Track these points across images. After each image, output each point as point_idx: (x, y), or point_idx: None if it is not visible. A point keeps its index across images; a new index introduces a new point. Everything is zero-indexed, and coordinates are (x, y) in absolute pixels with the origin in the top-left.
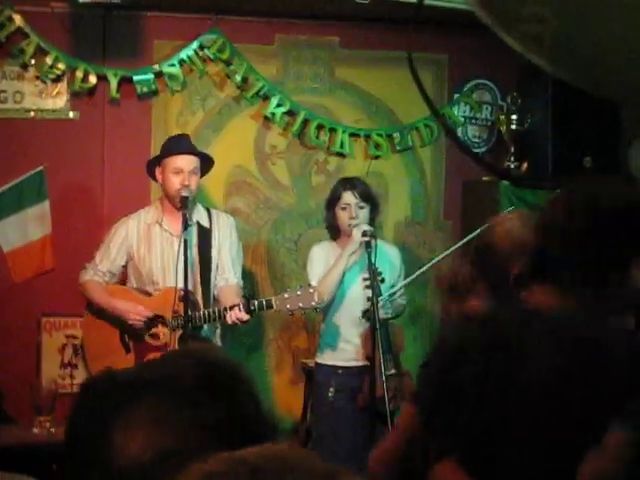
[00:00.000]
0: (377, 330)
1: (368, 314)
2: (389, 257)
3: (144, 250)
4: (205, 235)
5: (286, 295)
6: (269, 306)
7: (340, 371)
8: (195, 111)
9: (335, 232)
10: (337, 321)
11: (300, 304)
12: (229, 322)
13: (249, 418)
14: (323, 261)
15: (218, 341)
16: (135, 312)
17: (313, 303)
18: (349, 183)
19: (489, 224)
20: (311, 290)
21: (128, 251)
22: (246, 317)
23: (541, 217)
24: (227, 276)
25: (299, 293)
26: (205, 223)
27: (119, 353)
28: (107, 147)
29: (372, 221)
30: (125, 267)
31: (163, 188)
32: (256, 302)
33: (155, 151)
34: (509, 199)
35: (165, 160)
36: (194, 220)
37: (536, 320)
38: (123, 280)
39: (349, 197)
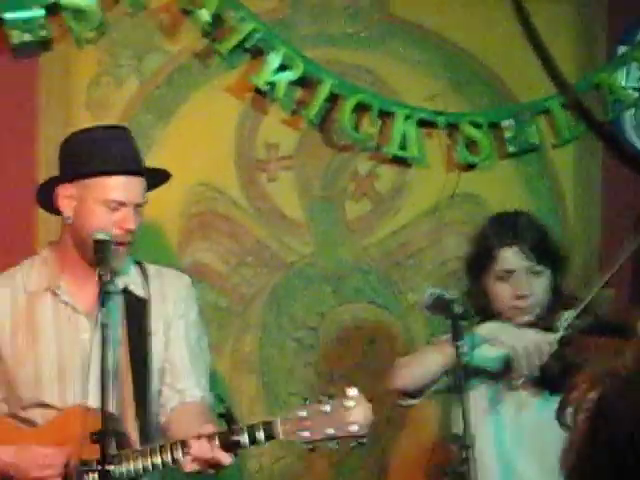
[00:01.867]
0: None
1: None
2: None
3: (24, 341)
4: (139, 313)
5: (302, 413)
6: (269, 435)
7: None
8: (123, 79)
9: (487, 318)
10: None
11: (329, 430)
12: (186, 468)
13: None
14: None
15: None
16: (41, 460)
17: (354, 428)
18: (512, 228)
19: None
20: (350, 403)
21: None
22: (227, 459)
23: None
24: (183, 386)
25: (327, 409)
26: (139, 289)
27: None
28: None
29: (556, 294)
30: None
31: (73, 227)
32: (245, 428)
33: (46, 155)
34: None
35: (88, 182)
36: (118, 285)
37: None
38: None
39: (512, 257)
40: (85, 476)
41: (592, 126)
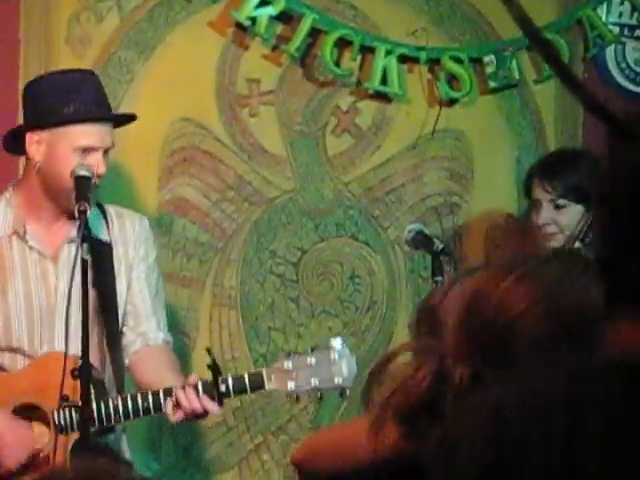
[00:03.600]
0: None
1: None
2: None
3: None
4: (103, 256)
5: (288, 365)
6: (256, 385)
7: None
8: (104, 14)
9: None
10: None
11: (314, 381)
12: (173, 420)
13: None
14: None
15: (126, 453)
16: (14, 440)
17: (339, 380)
18: (539, 165)
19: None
20: (334, 355)
21: None
22: (214, 408)
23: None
24: (145, 329)
25: (312, 361)
26: (101, 233)
27: None
28: None
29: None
30: None
31: (44, 171)
32: (230, 379)
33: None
34: None
35: (60, 129)
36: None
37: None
38: None
39: (539, 189)
40: (66, 412)
41: (543, 51)
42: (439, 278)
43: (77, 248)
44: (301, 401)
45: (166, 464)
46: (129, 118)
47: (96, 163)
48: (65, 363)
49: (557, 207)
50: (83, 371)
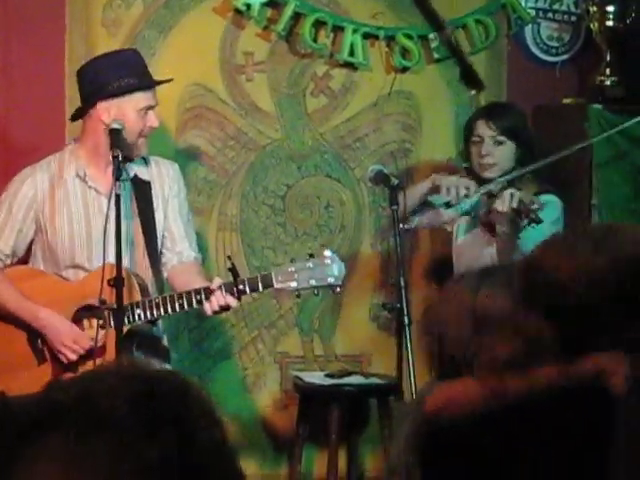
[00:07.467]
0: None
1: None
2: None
3: (61, 217)
4: (145, 192)
5: (291, 268)
6: (267, 284)
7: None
8: (131, 2)
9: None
10: None
11: (312, 281)
12: (208, 312)
13: (206, 462)
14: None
15: (164, 341)
16: (71, 339)
17: (331, 280)
18: (485, 109)
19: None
20: (327, 261)
21: (37, 218)
22: (234, 303)
23: None
24: (180, 249)
25: (310, 265)
26: (144, 175)
27: (27, 363)
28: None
29: (518, 163)
30: (31, 242)
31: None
32: (246, 279)
33: (71, 64)
34: (601, 129)
35: (125, 96)
36: (129, 173)
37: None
38: (23, 261)
39: (482, 128)
40: (104, 314)
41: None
42: (394, 207)
43: (112, 184)
44: (293, 298)
45: (182, 354)
46: (168, 81)
47: (151, 119)
48: (103, 273)
49: (496, 142)
50: (118, 281)
